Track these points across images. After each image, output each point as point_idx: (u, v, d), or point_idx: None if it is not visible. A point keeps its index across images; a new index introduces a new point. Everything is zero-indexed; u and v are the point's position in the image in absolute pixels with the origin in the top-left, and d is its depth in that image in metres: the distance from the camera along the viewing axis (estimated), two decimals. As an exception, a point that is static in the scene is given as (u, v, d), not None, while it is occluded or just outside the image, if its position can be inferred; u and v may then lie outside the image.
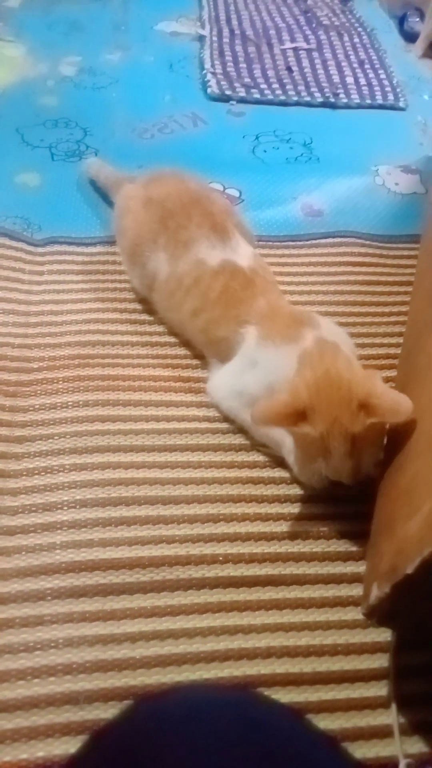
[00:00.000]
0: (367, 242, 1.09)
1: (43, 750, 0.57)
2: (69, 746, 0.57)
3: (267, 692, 0.62)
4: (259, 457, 0.79)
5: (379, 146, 1.30)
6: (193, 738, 0.38)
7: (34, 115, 1.26)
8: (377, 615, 0.60)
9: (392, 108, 1.43)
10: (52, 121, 1.25)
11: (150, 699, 0.54)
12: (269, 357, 0.76)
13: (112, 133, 1.24)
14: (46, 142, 1.21)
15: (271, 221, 1.11)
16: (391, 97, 1.44)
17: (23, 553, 0.68)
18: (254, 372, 0.78)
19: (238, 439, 0.80)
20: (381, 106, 1.43)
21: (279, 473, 0.78)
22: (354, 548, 0.72)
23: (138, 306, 0.94)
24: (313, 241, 1.08)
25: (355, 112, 1.41)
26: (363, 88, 1.46)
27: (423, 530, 0.53)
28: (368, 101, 1.43)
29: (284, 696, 0.62)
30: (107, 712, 0.59)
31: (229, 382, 0.80)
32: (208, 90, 1.39)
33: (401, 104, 1.43)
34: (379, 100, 1.43)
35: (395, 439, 0.74)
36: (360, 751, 0.60)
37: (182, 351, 0.89)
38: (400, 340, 0.93)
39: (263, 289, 0.82)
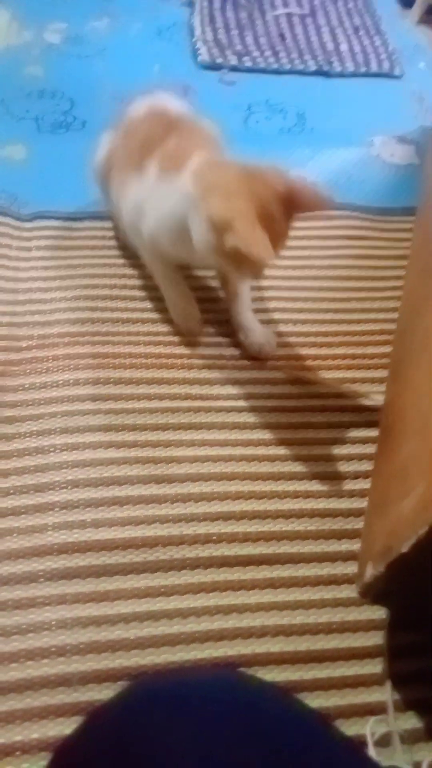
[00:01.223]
0: (362, 215, 1.07)
1: (37, 732, 0.57)
2: (63, 728, 0.57)
3: (262, 671, 0.62)
4: (254, 435, 0.78)
5: (374, 116, 1.27)
6: (186, 720, 0.37)
7: (19, 86, 1.22)
8: (372, 594, 0.60)
9: (387, 76, 1.39)
10: (37, 92, 1.21)
11: (145, 681, 0.54)
12: (163, 184, 0.77)
13: (99, 103, 1.20)
14: (32, 114, 1.17)
15: None
16: (386, 65, 1.40)
17: (15, 534, 0.68)
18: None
19: (231, 417, 0.79)
20: (376, 75, 1.39)
21: (273, 451, 0.77)
22: (348, 526, 0.72)
23: (129, 282, 0.92)
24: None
25: (349, 81, 1.37)
26: (357, 55, 1.42)
27: (417, 510, 0.52)
28: (363, 69, 1.39)
29: (279, 675, 0.62)
30: (101, 693, 0.59)
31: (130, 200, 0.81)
32: (199, 58, 1.34)
33: (396, 72, 1.39)
34: (374, 68, 1.39)
35: (391, 417, 0.73)
36: (354, 728, 0.60)
37: (174, 328, 0.87)
38: (395, 315, 0.91)
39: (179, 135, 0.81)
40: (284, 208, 0.68)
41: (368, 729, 0.58)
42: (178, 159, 0.76)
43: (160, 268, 0.87)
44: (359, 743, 0.58)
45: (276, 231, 0.67)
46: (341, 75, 1.38)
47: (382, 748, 0.59)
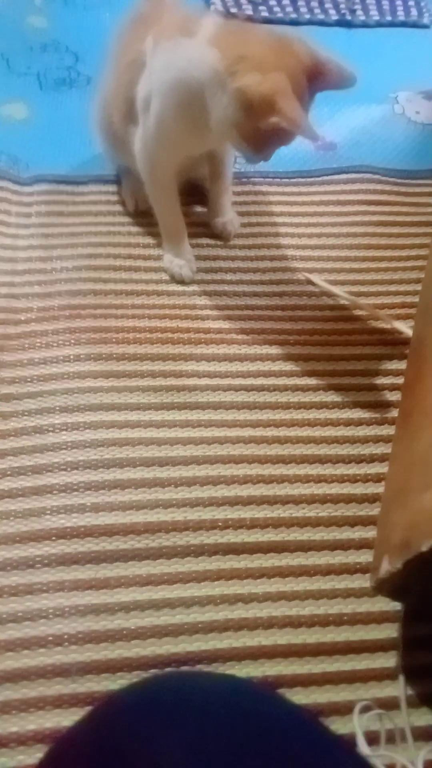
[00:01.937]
0: (384, 178, 1.00)
1: (33, 723, 0.55)
2: (61, 719, 0.55)
3: (268, 664, 0.60)
4: (263, 416, 0.74)
5: (400, 70, 1.18)
6: (186, 725, 0.36)
7: (21, 39, 1.15)
8: (387, 589, 0.56)
9: (414, 26, 1.30)
10: (40, 45, 1.14)
11: (157, 677, 0.53)
12: (165, 53, 0.72)
13: (105, 58, 1.13)
14: (33, 69, 1.10)
15: (279, 155, 0.98)
16: (414, 12, 1.31)
17: (12, 518, 0.65)
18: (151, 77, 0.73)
19: (240, 397, 0.75)
20: (403, 24, 1.30)
21: (284, 432, 0.73)
22: (363, 513, 0.68)
23: (134, 251, 0.87)
24: (325, 177, 1.00)
25: (373, 32, 1.28)
26: (383, 2, 1.32)
27: (439, 505, 0.48)
28: (388, 18, 1.30)
29: (286, 668, 0.59)
30: (100, 684, 0.57)
31: (142, 124, 0.76)
32: (212, 7, 1.26)
33: (425, 21, 1.30)
34: (401, 16, 1.30)
35: (411, 401, 0.68)
36: (365, 723, 0.57)
37: (181, 301, 0.83)
38: (418, 287, 0.86)
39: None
40: (309, 82, 0.65)
41: (356, 723, 0.55)
42: (183, 26, 0.71)
43: (163, 197, 0.83)
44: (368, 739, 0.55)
45: (305, 109, 0.65)
46: (365, 25, 1.29)
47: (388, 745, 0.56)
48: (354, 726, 0.55)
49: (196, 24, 0.71)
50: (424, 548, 0.47)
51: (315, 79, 0.66)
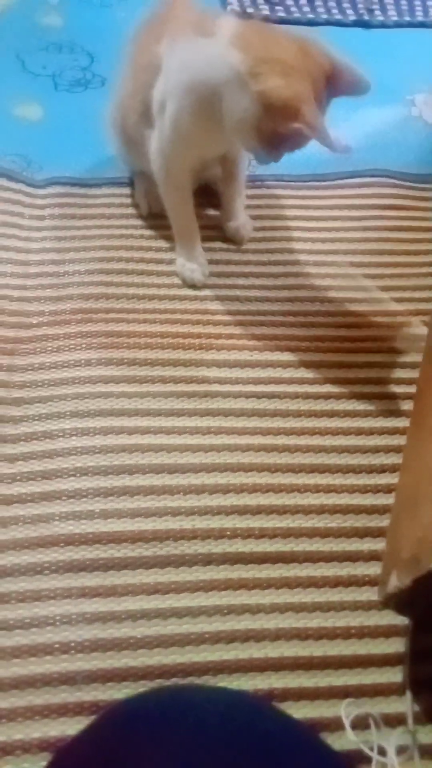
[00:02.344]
0: (400, 182, 0.99)
1: (38, 731, 0.55)
2: (66, 727, 0.55)
3: (275, 676, 0.59)
4: (273, 423, 0.73)
5: (417, 71, 1.17)
6: (184, 737, 0.37)
7: (36, 39, 1.15)
8: (395, 604, 0.56)
9: (433, 26, 1.28)
10: (55, 46, 1.14)
11: (160, 689, 0.53)
12: (181, 54, 0.72)
13: (121, 59, 1.13)
14: (48, 70, 1.10)
15: (293, 158, 0.98)
16: (432, 13, 1.29)
17: (20, 523, 0.65)
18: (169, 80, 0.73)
19: (251, 404, 0.75)
20: (421, 24, 1.28)
21: (294, 441, 0.72)
22: (372, 524, 0.67)
23: (146, 255, 0.87)
24: (340, 181, 0.99)
25: (391, 32, 1.26)
26: (402, 2, 1.31)
27: (450, 522, 0.48)
28: (407, 18, 1.28)
29: (293, 681, 0.59)
30: (105, 693, 0.57)
31: (158, 127, 0.76)
32: (228, 8, 1.25)
33: (444, 22, 1.28)
34: (420, 16, 1.29)
35: (423, 410, 0.68)
36: (372, 738, 0.56)
37: (193, 305, 0.83)
38: (432, 294, 0.85)
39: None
40: (327, 88, 0.66)
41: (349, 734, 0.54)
42: (200, 27, 0.71)
43: (177, 199, 0.82)
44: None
45: (322, 114, 0.66)
46: (383, 25, 1.28)
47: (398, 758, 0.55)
48: (359, 739, 0.55)
49: (214, 24, 0.70)
50: None
51: (332, 84, 0.65)
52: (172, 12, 0.77)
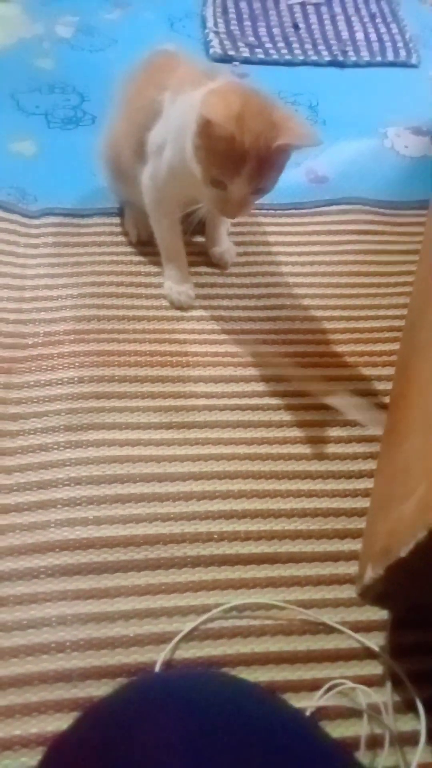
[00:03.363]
0: (374, 209, 1.05)
1: (36, 726, 0.58)
2: (62, 723, 0.58)
3: (261, 670, 0.62)
4: (257, 434, 0.78)
5: (389, 106, 1.25)
6: (178, 720, 0.37)
7: (30, 80, 1.22)
8: (371, 595, 0.59)
9: (404, 65, 1.36)
10: (47, 86, 1.21)
11: (143, 679, 0.54)
12: (179, 105, 0.77)
13: (110, 98, 1.19)
14: (41, 109, 1.17)
15: (274, 188, 1.07)
16: (403, 53, 1.37)
17: (17, 531, 0.68)
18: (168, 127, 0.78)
19: (235, 416, 0.79)
20: (392, 64, 1.36)
21: (277, 449, 0.77)
22: (352, 526, 0.71)
23: (135, 279, 0.92)
24: (318, 209, 1.05)
25: (364, 71, 1.34)
26: (374, 44, 1.39)
27: (416, 513, 0.52)
28: (378, 58, 1.36)
29: (278, 674, 0.62)
30: (100, 689, 0.60)
31: (152, 165, 0.82)
32: (211, 50, 1.33)
33: (413, 61, 1.37)
34: (390, 57, 1.37)
35: (395, 417, 0.72)
36: (353, 728, 0.59)
37: (180, 326, 0.87)
38: (405, 312, 0.90)
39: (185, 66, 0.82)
40: (274, 132, 0.68)
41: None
42: (195, 81, 0.76)
43: (166, 227, 0.87)
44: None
45: (251, 143, 0.67)
46: (356, 65, 1.36)
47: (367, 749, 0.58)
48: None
49: (207, 79, 0.76)
50: (403, 554, 0.50)
51: (280, 134, 0.69)
52: (171, 63, 0.83)
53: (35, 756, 0.56)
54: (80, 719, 0.43)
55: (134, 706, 0.39)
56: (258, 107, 0.69)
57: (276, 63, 1.33)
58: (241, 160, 0.68)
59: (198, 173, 0.72)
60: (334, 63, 1.35)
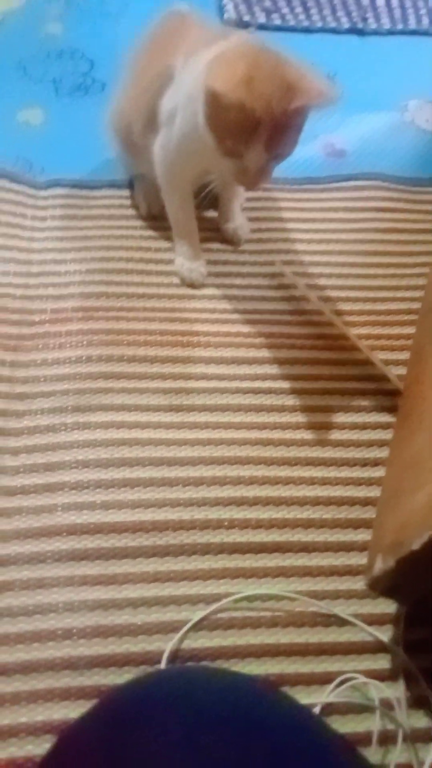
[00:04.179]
0: (393, 186, 1.01)
1: (42, 714, 0.57)
2: (68, 711, 0.57)
3: (271, 662, 0.61)
4: (269, 418, 0.75)
5: (410, 78, 1.20)
6: (189, 716, 0.37)
7: (38, 46, 1.17)
8: (380, 587, 0.57)
9: (426, 34, 1.31)
10: (56, 52, 1.16)
11: (161, 672, 0.54)
12: (189, 69, 0.73)
13: (121, 65, 1.15)
14: (50, 76, 1.13)
15: (289, 162, 0.99)
16: (425, 21, 1.32)
17: (23, 514, 0.67)
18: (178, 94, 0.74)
19: (247, 399, 0.76)
20: (413, 32, 1.31)
21: (290, 434, 0.74)
22: (366, 515, 0.69)
23: (145, 255, 0.89)
24: (334, 184, 1.01)
25: (384, 39, 1.29)
26: (395, 11, 1.33)
27: (429, 506, 0.50)
28: (400, 26, 1.31)
29: (288, 666, 0.61)
30: (107, 678, 0.59)
31: (164, 134, 0.77)
32: (225, 15, 1.28)
33: (436, 30, 1.31)
34: (413, 25, 1.31)
35: (408, 405, 0.70)
36: (365, 723, 0.58)
37: (191, 304, 0.85)
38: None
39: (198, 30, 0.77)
40: (289, 94, 0.64)
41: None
42: (206, 42, 0.72)
43: (178, 202, 0.84)
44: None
45: (264, 108, 0.63)
46: (376, 33, 1.30)
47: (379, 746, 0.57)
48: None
49: (217, 40, 0.72)
50: (415, 546, 0.48)
51: (296, 94, 0.64)
52: (183, 26, 0.79)
53: (41, 744, 0.56)
54: (92, 711, 0.42)
55: (140, 705, 0.39)
56: (268, 68, 0.65)
57: (293, 29, 1.28)
58: (256, 127, 0.64)
59: (211, 144, 0.69)
60: (353, 30, 1.30)
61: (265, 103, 0.63)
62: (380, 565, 0.55)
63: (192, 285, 0.86)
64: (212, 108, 0.66)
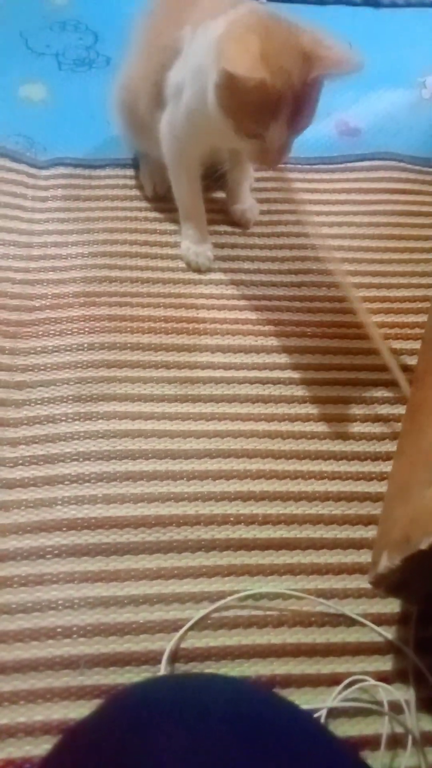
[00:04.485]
0: (409, 166, 0.97)
1: (41, 714, 0.55)
2: (68, 711, 0.55)
3: (277, 662, 0.59)
4: (277, 410, 0.73)
5: (428, 52, 1.15)
6: (194, 725, 0.37)
7: (40, 17, 1.13)
8: (385, 585, 0.55)
9: (445, 6, 1.26)
10: (59, 24, 1.12)
11: (168, 676, 0.53)
12: (198, 40, 0.69)
13: (126, 38, 1.10)
14: (52, 49, 1.08)
15: (301, 141, 0.95)
16: (444, -7, 1.26)
17: (23, 507, 0.65)
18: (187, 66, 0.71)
19: (255, 390, 0.74)
20: (432, 5, 1.26)
21: (298, 427, 0.72)
22: (376, 512, 0.67)
23: (150, 238, 0.86)
24: (348, 164, 0.97)
25: (401, 12, 1.24)
26: (413, -18, 1.28)
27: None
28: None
29: (295, 667, 0.59)
30: (108, 677, 0.57)
31: (171, 109, 0.74)
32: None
33: (456, 2, 1.26)
34: (431, -4, 1.26)
35: (420, 395, 0.67)
36: (373, 726, 0.56)
37: (197, 290, 0.82)
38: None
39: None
40: (307, 64, 0.61)
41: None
42: (214, 11, 0.68)
43: (185, 182, 0.81)
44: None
45: (284, 84, 0.60)
46: (393, 4, 1.25)
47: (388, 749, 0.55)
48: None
49: (226, 9, 0.68)
50: (424, 546, 0.46)
51: (314, 62, 0.62)
52: None
53: (39, 744, 0.54)
54: (95, 714, 0.41)
55: (146, 709, 0.39)
56: (282, 39, 0.62)
57: (306, 1, 1.23)
58: (277, 104, 0.61)
59: (225, 125, 0.66)
60: (368, 2, 1.25)
61: (285, 78, 0.60)
62: (385, 563, 0.53)
63: (198, 270, 0.83)
64: (229, 91, 0.63)
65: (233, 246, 0.87)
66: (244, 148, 0.68)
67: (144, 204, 0.89)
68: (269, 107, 0.61)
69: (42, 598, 0.60)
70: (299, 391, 0.74)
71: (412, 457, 0.62)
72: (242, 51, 0.60)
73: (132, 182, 0.91)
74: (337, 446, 0.71)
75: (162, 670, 0.57)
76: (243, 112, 0.63)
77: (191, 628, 0.60)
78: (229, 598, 0.61)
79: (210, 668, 0.58)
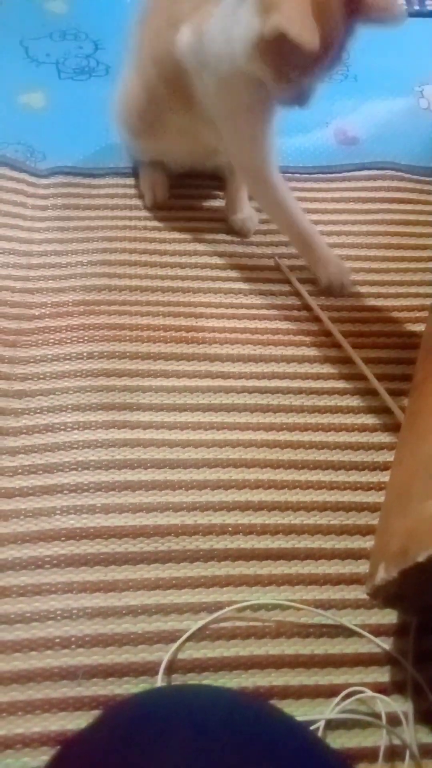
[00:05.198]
0: (407, 175, 0.97)
1: (39, 725, 0.55)
2: (66, 722, 0.55)
3: (275, 673, 0.59)
4: (276, 419, 0.73)
5: (427, 62, 1.15)
6: (190, 735, 0.37)
7: (40, 25, 1.13)
8: (382, 597, 0.55)
9: (443, 15, 1.26)
10: (59, 33, 1.12)
11: (166, 687, 0.53)
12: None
13: (126, 47, 1.11)
14: (52, 57, 1.09)
15: (300, 149, 0.99)
16: (443, 2, 1.27)
17: (21, 517, 0.65)
18: None
19: (254, 399, 0.74)
20: (430, 13, 1.26)
21: (297, 437, 0.72)
22: (374, 522, 0.67)
23: (149, 246, 0.86)
24: (347, 174, 0.97)
25: (400, 21, 1.24)
26: (411, -9, 1.29)
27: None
28: (416, 7, 1.26)
29: (293, 678, 0.59)
30: (106, 688, 0.57)
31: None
32: None
33: (454, 11, 1.26)
34: (430, 5, 1.26)
35: (419, 403, 0.67)
36: (371, 738, 0.56)
37: (196, 298, 0.82)
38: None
39: None
40: (346, 8, 0.61)
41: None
42: None
43: (253, 122, 0.76)
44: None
45: (332, 34, 0.60)
46: (391, 14, 1.25)
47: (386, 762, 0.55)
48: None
49: None
50: (421, 559, 0.46)
51: (354, 6, 0.61)
52: None
53: (38, 756, 0.54)
54: (93, 725, 0.41)
55: (144, 721, 0.38)
56: None
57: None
58: (324, 52, 0.60)
59: (264, 74, 0.66)
60: (368, 11, 1.25)
61: (334, 30, 0.61)
62: (383, 575, 0.53)
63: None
64: (276, 45, 0.61)
65: (232, 255, 0.87)
66: (282, 92, 0.68)
67: (144, 213, 0.89)
68: (318, 58, 0.61)
69: (40, 609, 0.60)
70: (298, 401, 0.74)
71: (411, 467, 0.62)
72: (295, 7, 0.59)
73: (132, 191, 0.91)
74: (335, 456, 0.71)
75: (159, 681, 0.57)
76: (287, 63, 0.63)
77: (189, 639, 0.60)
78: (227, 609, 0.61)
79: (208, 679, 0.58)
